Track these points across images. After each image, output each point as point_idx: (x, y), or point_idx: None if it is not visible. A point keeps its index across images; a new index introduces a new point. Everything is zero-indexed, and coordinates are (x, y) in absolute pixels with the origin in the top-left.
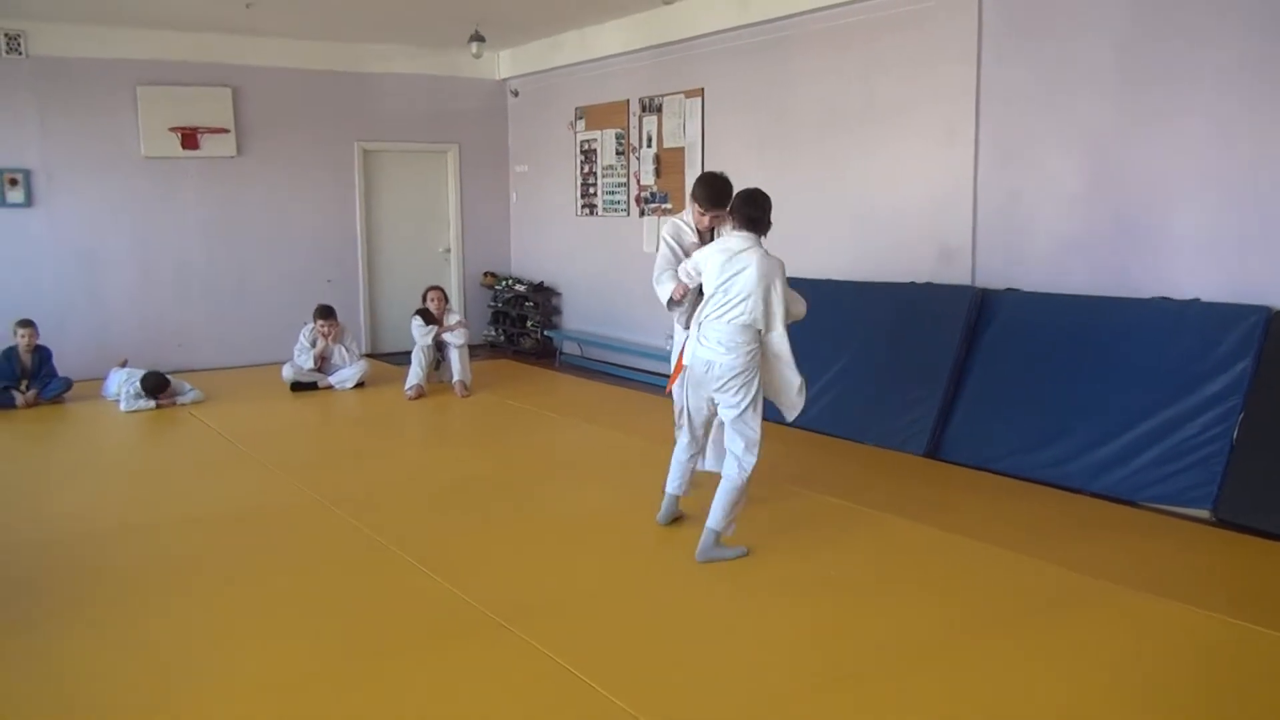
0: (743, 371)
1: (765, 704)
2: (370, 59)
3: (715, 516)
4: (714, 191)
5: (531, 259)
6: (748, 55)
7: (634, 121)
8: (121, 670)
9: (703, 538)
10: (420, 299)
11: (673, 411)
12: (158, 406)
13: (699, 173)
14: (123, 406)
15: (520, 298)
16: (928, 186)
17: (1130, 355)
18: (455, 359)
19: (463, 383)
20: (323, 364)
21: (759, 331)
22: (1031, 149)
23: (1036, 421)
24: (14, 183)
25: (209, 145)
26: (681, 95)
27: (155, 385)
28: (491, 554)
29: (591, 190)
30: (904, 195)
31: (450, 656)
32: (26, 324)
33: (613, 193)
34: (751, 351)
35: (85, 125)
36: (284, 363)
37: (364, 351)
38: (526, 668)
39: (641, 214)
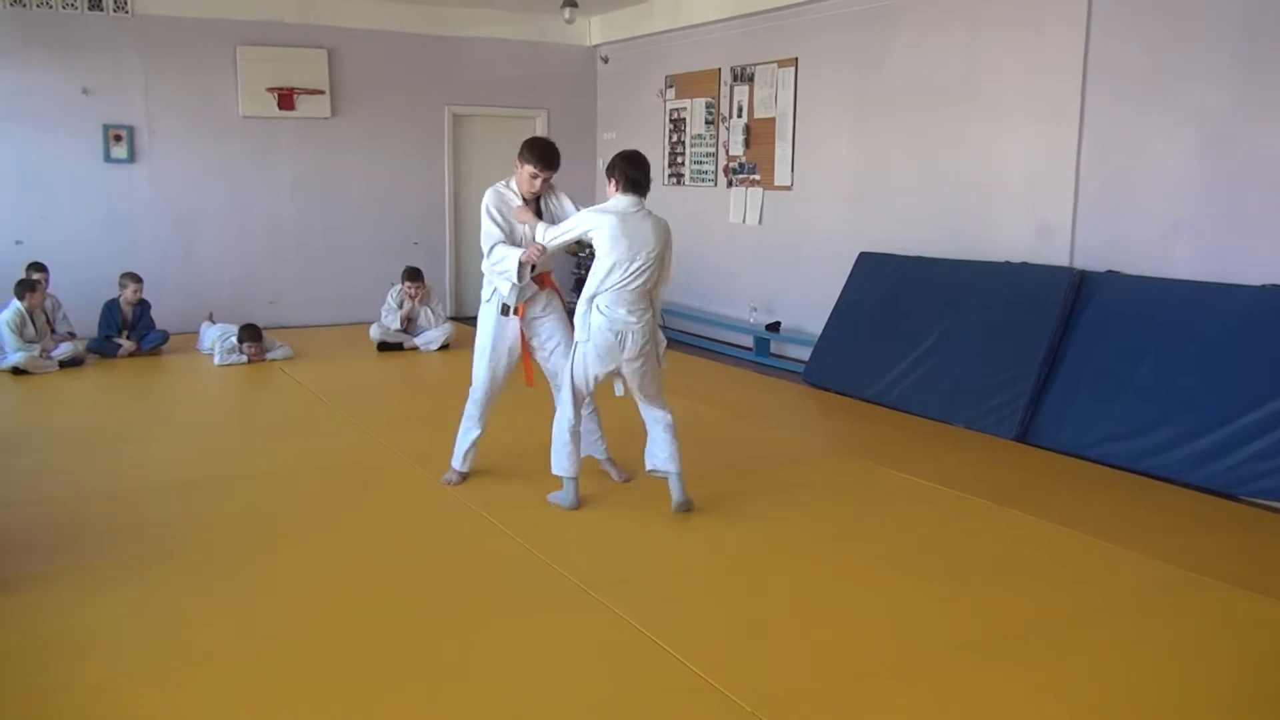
0: (647, 339)
1: (846, 685)
2: (463, 23)
3: (670, 460)
4: (548, 152)
5: None
6: (844, 25)
7: (724, 91)
8: (213, 616)
9: (677, 490)
10: None
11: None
12: (249, 361)
13: (787, 144)
14: (217, 360)
15: None
16: (1026, 163)
17: (1237, 344)
18: None
19: None
20: (409, 325)
21: (650, 295)
22: (1140, 127)
23: (1133, 409)
24: (118, 139)
25: (304, 106)
26: (774, 65)
27: (252, 333)
28: (574, 520)
29: (679, 159)
30: (1001, 172)
31: (532, 619)
32: (135, 278)
33: (700, 162)
34: (649, 317)
35: (187, 84)
36: (371, 323)
37: (449, 314)
38: (609, 635)
39: (729, 184)
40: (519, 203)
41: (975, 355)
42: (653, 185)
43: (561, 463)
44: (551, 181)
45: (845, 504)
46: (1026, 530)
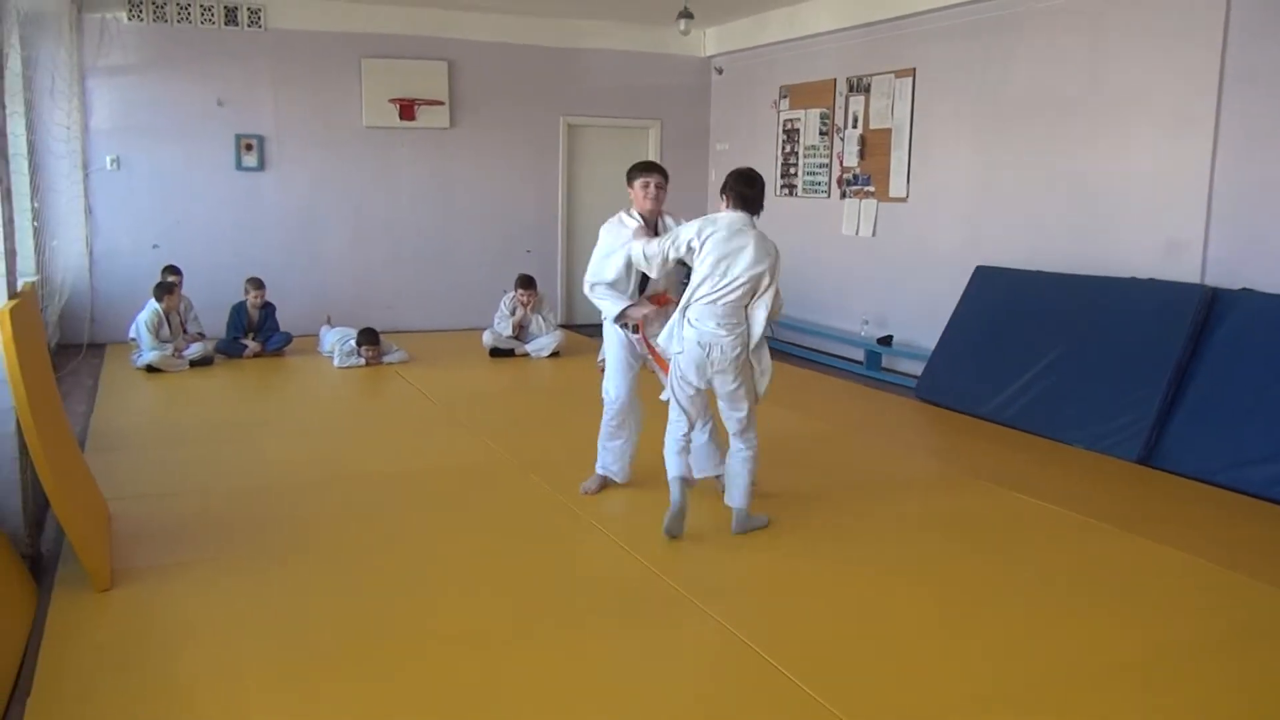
0: (740, 351)
1: (957, 710)
2: (579, 34)
3: (738, 497)
4: (648, 162)
5: None
6: (963, 35)
7: (840, 101)
8: (330, 615)
9: (735, 517)
10: None
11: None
12: (367, 364)
13: (903, 156)
14: (336, 363)
15: None
16: (1155, 176)
17: None
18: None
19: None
20: (521, 332)
21: (744, 310)
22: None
23: (1268, 433)
24: (249, 148)
25: (424, 117)
26: (891, 75)
27: (370, 336)
28: (685, 533)
29: (792, 170)
30: (1127, 184)
31: (640, 629)
32: (258, 284)
33: (813, 174)
34: (743, 331)
35: (313, 95)
36: (484, 329)
37: (559, 322)
38: (718, 648)
39: (843, 196)
40: (637, 224)
41: (1097, 373)
42: (779, 196)
43: (669, 469)
44: (663, 210)
45: (961, 524)
46: (1150, 557)
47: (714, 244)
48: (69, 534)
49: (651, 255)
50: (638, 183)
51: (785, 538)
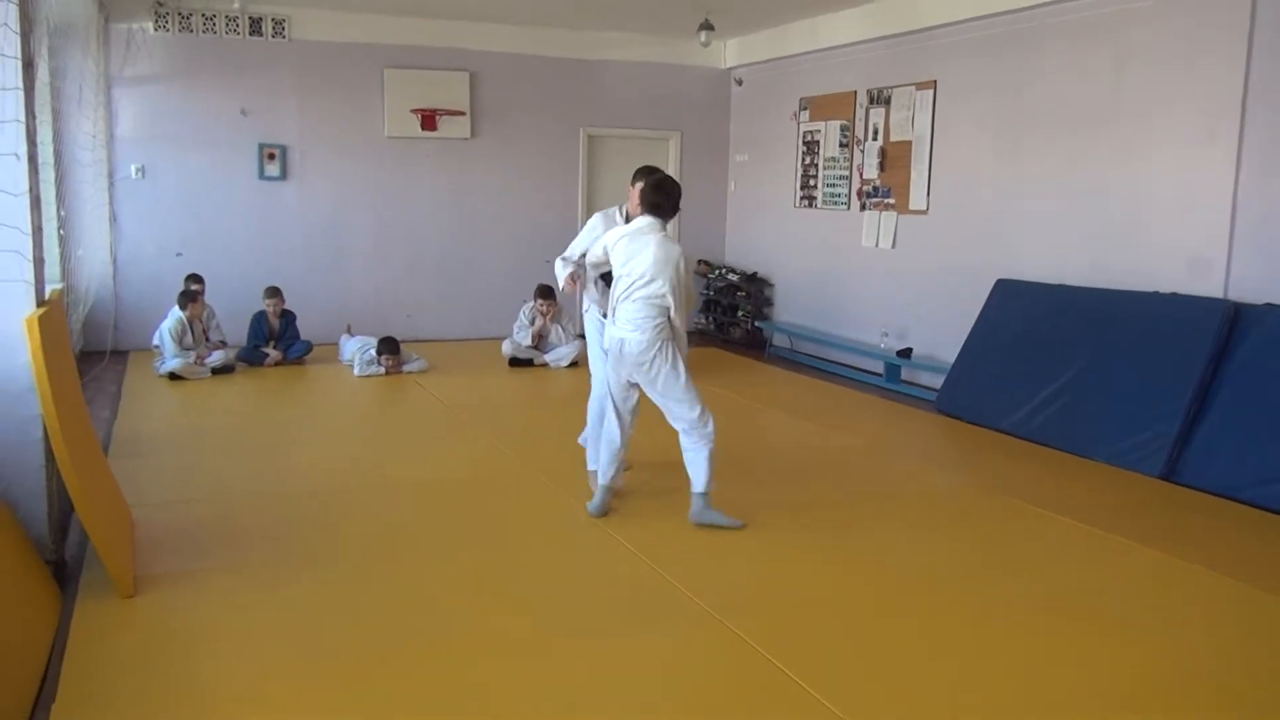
0: (652, 346)
1: None
2: (600, 46)
3: (699, 480)
4: (646, 166)
5: (746, 249)
6: (985, 48)
7: (860, 113)
8: (350, 622)
9: (694, 502)
10: None
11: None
12: (387, 373)
13: (923, 168)
14: (356, 372)
15: (732, 287)
16: (1178, 191)
17: None
18: None
19: None
20: (540, 342)
21: (666, 309)
22: None
23: None
24: (272, 157)
25: (446, 127)
26: (912, 87)
27: (390, 346)
28: (700, 541)
29: (812, 182)
30: (1150, 199)
31: (656, 638)
32: (274, 293)
33: (833, 185)
34: (659, 326)
35: (336, 105)
36: (503, 338)
37: (579, 332)
38: (736, 661)
39: (863, 208)
40: (618, 224)
41: (1120, 388)
42: (799, 207)
43: (600, 473)
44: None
45: (982, 538)
46: (1173, 573)
47: (621, 247)
48: (94, 540)
49: (598, 263)
50: (639, 185)
51: (801, 548)
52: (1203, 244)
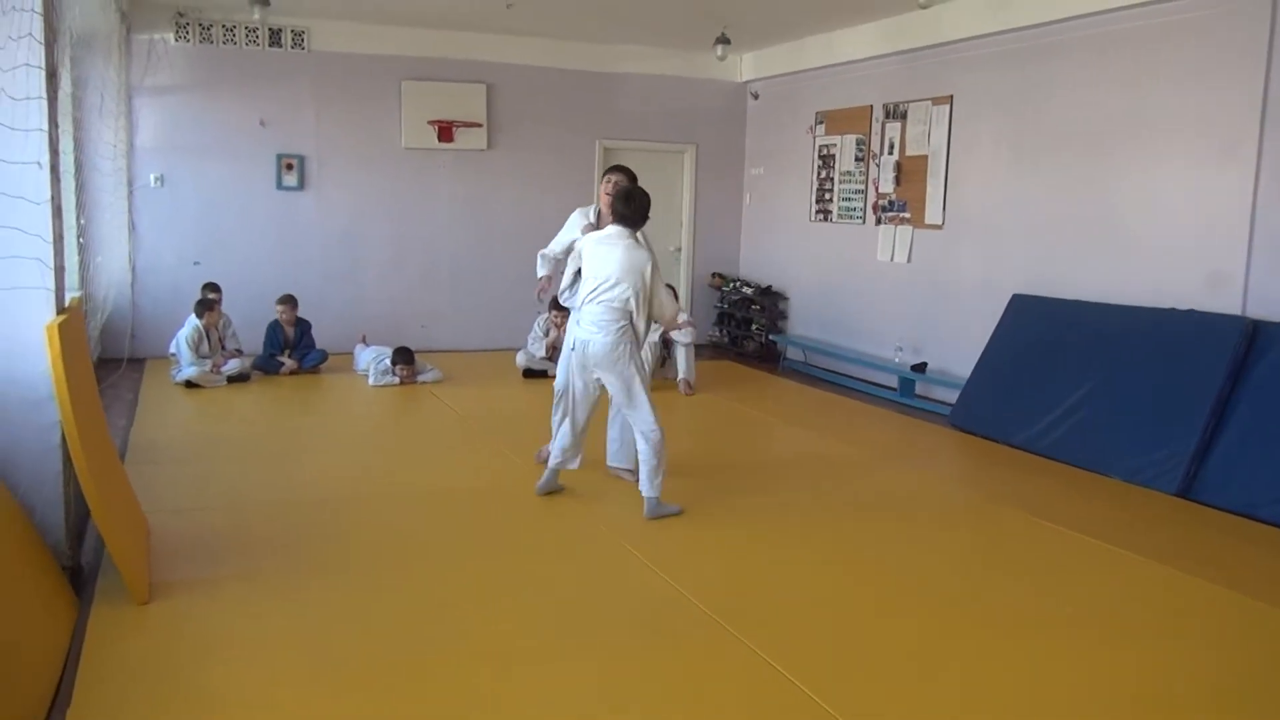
0: (615, 348)
1: None
2: (616, 59)
3: (646, 484)
4: (626, 171)
5: (760, 262)
6: (1002, 63)
7: (876, 127)
8: (363, 631)
9: (646, 505)
10: None
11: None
12: (401, 383)
13: (939, 182)
14: (371, 381)
15: (746, 300)
16: (1196, 207)
17: None
18: (681, 357)
19: (687, 381)
20: (554, 353)
21: (629, 313)
22: None
23: None
24: (290, 167)
25: (462, 138)
26: (929, 102)
27: (405, 356)
28: (713, 553)
29: (827, 196)
30: (1167, 216)
31: (667, 650)
32: (286, 300)
33: (849, 199)
34: (622, 329)
35: (354, 116)
36: (518, 349)
37: None
38: (745, 671)
39: (878, 222)
40: (588, 222)
41: (1136, 405)
42: (814, 221)
43: (552, 454)
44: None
45: (995, 553)
46: (1189, 591)
47: (589, 251)
48: (110, 547)
49: (552, 254)
50: (605, 183)
51: (814, 562)
52: (1221, 260)
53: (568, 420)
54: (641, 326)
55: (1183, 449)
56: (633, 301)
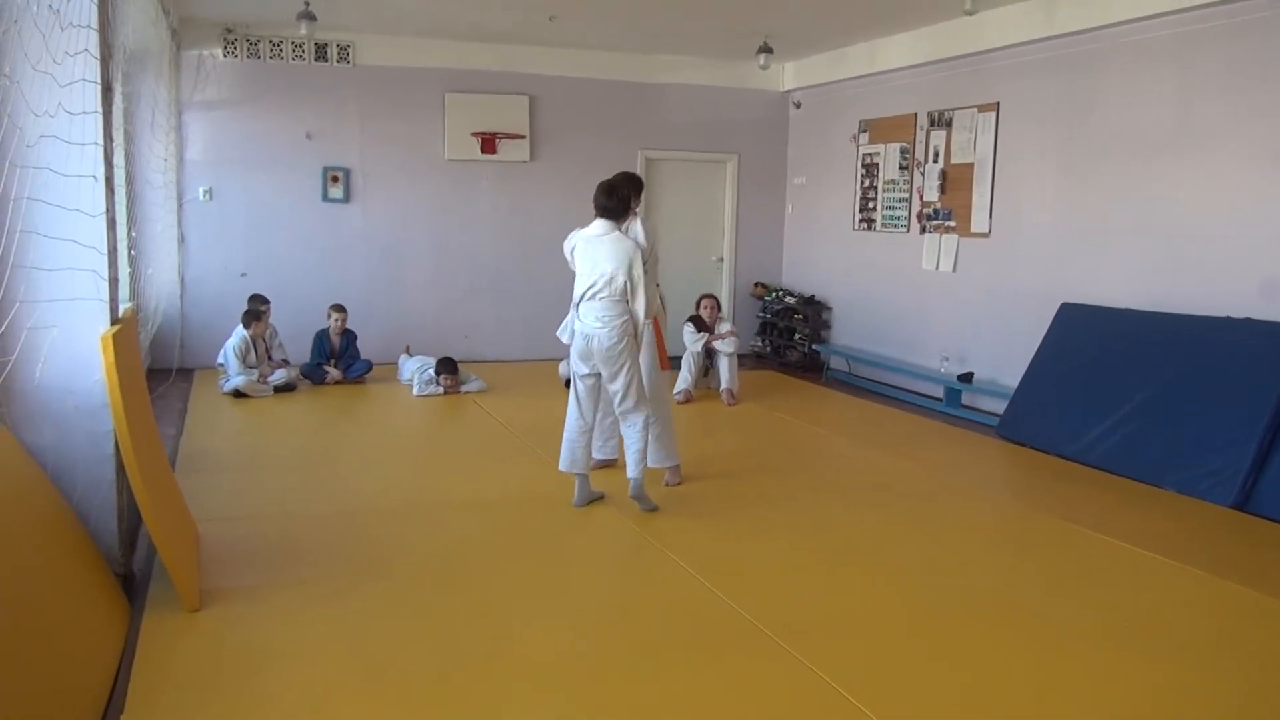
0: (618, 341)
1: None
2: (658, 69)
3: (630, 466)
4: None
5: (803, 272)
6: (1048, 70)
7: (920, 136)
8: (410, 641)
9: (630, 485)
10: (693, 306)
11: None
12: (445, 393)
13: (985, 191)
14: (415, 391)
15: (789, 310)
16: (1249, 214)
17: None
18: (724, 367)
19: (730, 390)
20: None
21: (628, 303)
22: None
23: None
24: (335, 180)
25: (505, 150)
26: (974, 109)
27: (449, 366)
28: (762, 565)
29: (871, 205)
30: (1220, 222)
31: (717, 664)
32: (340, 309)
33: (893, 208)
34: (624, 322)
35: (398, 129)
36: (560, 360)
37: None
38: (796, 686)
39: (923, 231)
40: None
41: (1189, 415)
42: (857, 230)
43: (561, 460)
44: (636, 210)
45: (1047, 567)
46: (1246, 605)
47: (580, 250)
48: (162, 554)
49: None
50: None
51: (862, 573)
52: (1276, 267)
53: (575, 418)
54: (639, 314)
55: (1239, 460)
56: (628, 291)
